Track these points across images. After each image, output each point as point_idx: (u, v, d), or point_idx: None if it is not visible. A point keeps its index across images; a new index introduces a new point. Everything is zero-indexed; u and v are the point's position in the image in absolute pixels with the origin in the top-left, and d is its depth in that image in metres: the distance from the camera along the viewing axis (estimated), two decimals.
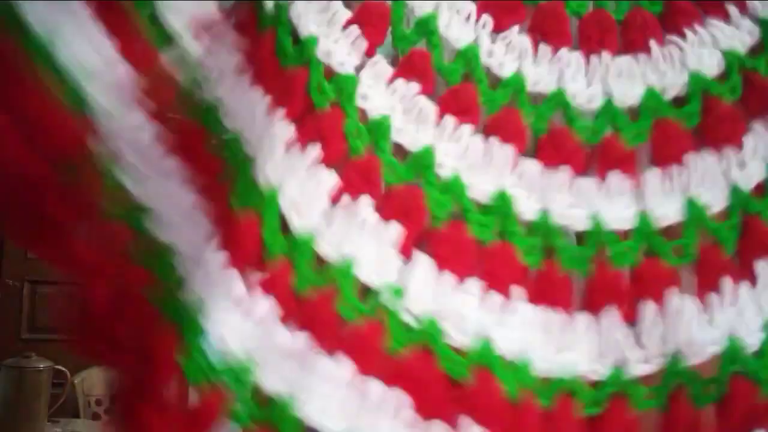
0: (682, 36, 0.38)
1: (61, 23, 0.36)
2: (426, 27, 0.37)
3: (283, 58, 0.36)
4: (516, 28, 0.38)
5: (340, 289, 0.33)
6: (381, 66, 0.38)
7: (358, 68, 0.38)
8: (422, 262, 0.35)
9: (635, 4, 0.39)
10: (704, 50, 0.38)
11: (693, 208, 0.35)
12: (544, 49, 0.38)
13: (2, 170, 0.37)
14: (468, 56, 0.37)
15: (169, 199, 0.37)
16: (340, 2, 0.38)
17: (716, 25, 0.38)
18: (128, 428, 0.35)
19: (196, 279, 0.33)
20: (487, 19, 0.38)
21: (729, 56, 0.37)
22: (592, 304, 0.35)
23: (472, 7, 0.38)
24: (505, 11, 0.38)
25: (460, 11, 0.38)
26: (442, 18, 0.38)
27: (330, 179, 0.35)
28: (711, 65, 0.38)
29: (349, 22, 0.38)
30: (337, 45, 0.37)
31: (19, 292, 3.03)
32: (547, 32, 0.38)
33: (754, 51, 0.38)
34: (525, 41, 0.38)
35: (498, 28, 0.38)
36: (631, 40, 0.38)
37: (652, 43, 0.38)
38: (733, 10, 0.38)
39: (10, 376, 1.50)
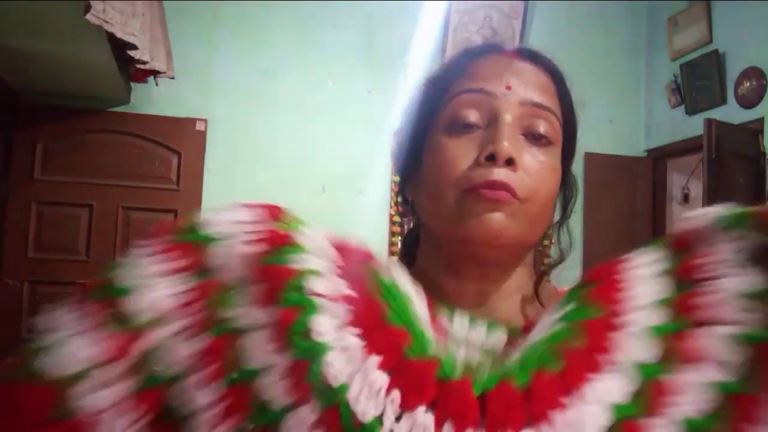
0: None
1: None
2: (334, 396, 0.39)
3: None
4: (422, 408, 0.39)
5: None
6: None
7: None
8: None
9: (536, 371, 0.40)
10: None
11: None
12: (448, 429, 0.38)
13: None
14: (369, 431, 0.38)
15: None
16: None
17: None
18: None
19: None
20: (396, 395, 0.39)
21: None
22: None
23: (384, 381, 0.39)
24: (415, 389, 0.39)
25: (372, 384, 0.39)
26: (352, 389, 0.39)
27: None
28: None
29: None
30: None
31: (19, 292, 3.02)
32: (453, 413, 0.39)
33: None
34: (429, 421, 0.38)
35: (405, 406, 0.39)
36: (535, 413, 0.39)
37: (553, 414, 0.39)
38: None
39: None
